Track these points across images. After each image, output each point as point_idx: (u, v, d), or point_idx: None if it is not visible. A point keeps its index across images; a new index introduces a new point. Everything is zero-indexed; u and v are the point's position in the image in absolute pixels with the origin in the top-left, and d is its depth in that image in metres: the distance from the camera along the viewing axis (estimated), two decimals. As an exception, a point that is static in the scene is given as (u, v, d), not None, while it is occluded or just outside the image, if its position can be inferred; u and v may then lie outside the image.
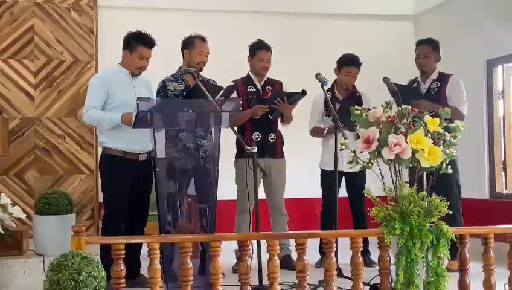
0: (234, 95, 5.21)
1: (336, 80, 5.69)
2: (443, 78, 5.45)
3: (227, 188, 5.20)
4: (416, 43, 5.60)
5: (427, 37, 5.62)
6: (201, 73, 5.09)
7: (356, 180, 5.43)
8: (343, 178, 5.57)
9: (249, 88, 5.49)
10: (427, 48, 5.48)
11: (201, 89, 4.41)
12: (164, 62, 5.28)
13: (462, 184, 5.44)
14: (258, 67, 5.49)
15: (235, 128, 4.98)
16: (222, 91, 4.82)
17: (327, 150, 5.51)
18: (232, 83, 5.37)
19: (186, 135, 4.48)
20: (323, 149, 5.67)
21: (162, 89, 4.99)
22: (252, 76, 5.54)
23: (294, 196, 5.81)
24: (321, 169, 5.68)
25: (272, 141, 5.46)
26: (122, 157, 4.70)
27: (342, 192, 5.58)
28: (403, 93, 5.06)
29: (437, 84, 5.45)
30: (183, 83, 5.01)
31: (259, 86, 5.52)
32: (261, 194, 5.48)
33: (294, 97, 5.30)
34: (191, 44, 5.11)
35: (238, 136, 4.86)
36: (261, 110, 5.32)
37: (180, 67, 5.12)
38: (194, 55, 5.08)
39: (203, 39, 5.13)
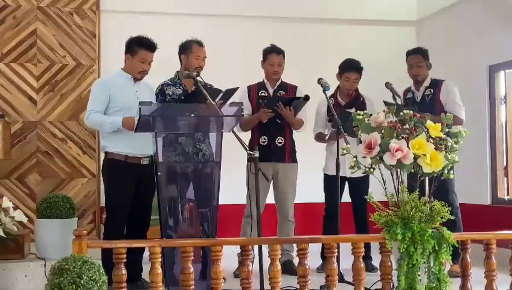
0: (234, 98, 5.20)
1: (338, 85, 5.70)
2: (436, 84, 5.46)
3: (232, 193, 5.19)
4: (406, 54, 5.59)
5: (416, 47, 5.67)
6: (199, 78, 5.07)
7: (359, 186, 5.41)
8: (346, 183, 5.57)
9: (261, 93, 5.50)
10: (419, 57, 5.50)
11: (201, 93, 4.40)
12: (166, 66, 5.27)
13: (463, 190, 5.43)
14: (269, 71, 5.50)
15: (242, 132, 4.98)
16: (221, 94, 4.81)
17: (331, 155, 5.51)
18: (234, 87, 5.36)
19: (186, 139, 4.49)
20: (327, 154, 5.67)
21: (160, 93, 4.99)
22: (265, 81, 5.56)
23: (297, 200, 5.79)
24: (324, 174, 5.68)
25: (279, 145, 5.44)
26: (123, 162, 4.71)
27: (346, 197, 5.58)
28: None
29: (430, 91, 5.45)
30: (181, 87, 5.02)
31: (271, 91, 5.52)
32: (271, 199, 5.50)
33: (297, 102, 5.29)
34: (188, 49, 5.10)
35: (240, 141, 4.84)
36: (266, 114, 5.32)
37: (177, 72, 5.13)
38: (191, 60, 5.07)
39: (200, 44, 5.12)
